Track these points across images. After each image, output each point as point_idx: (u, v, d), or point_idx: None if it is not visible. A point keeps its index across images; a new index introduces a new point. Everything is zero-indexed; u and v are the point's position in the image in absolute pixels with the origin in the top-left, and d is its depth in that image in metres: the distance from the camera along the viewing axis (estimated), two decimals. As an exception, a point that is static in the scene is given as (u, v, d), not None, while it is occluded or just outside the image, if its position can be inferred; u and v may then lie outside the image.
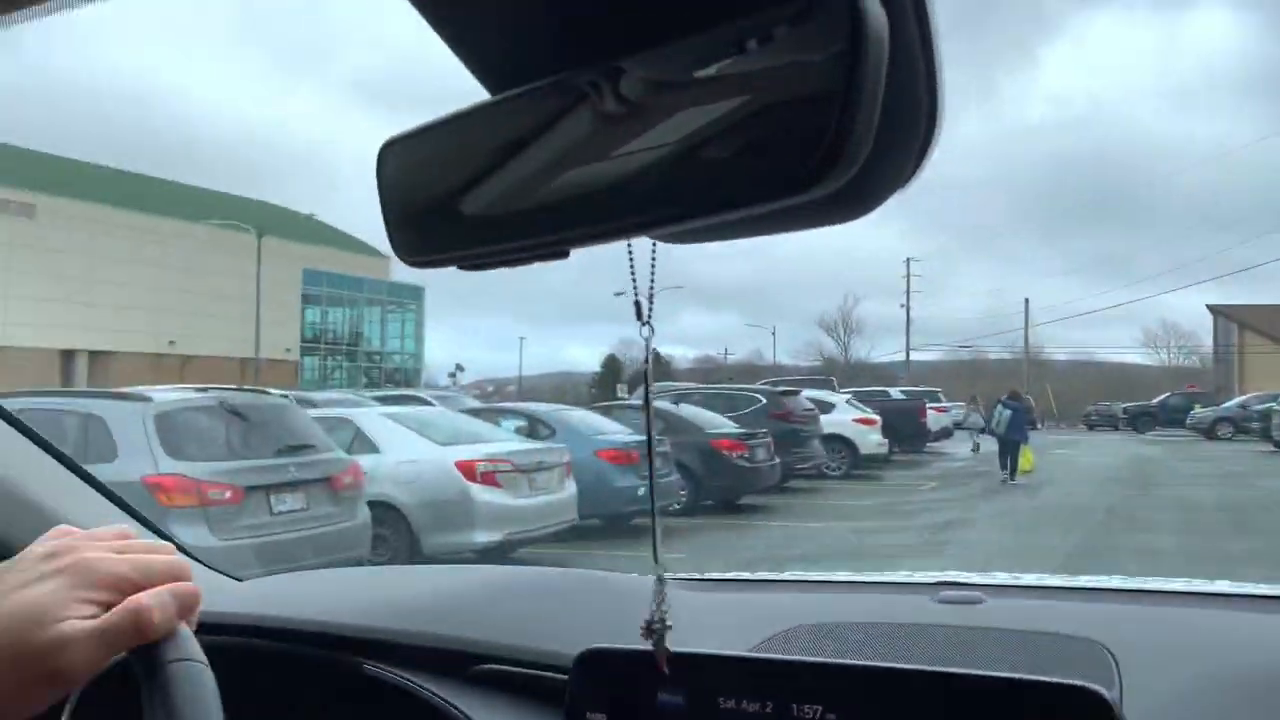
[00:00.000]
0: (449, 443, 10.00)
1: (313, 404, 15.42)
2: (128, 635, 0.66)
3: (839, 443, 20.29)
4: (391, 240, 0.63)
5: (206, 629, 0.73)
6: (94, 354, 39.34)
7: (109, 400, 7.34)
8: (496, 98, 0.59)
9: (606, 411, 15.23)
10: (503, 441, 10.52)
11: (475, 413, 13.28)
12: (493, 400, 28.38)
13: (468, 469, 9.44)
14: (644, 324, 0.77)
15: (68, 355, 38.76)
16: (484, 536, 9.33)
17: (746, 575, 1.58)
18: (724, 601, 1.35)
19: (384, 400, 18.13)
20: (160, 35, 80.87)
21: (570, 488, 10.64)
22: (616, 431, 13.15)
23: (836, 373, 47.97)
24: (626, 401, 20.04)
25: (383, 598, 1.33)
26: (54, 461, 1.28)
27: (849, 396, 24.11)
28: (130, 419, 6.97)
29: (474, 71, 0.59)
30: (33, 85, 61.28)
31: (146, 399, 7.21)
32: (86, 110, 63.54)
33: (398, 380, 50.72)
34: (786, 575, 1.61)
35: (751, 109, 0.48)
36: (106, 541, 0.71)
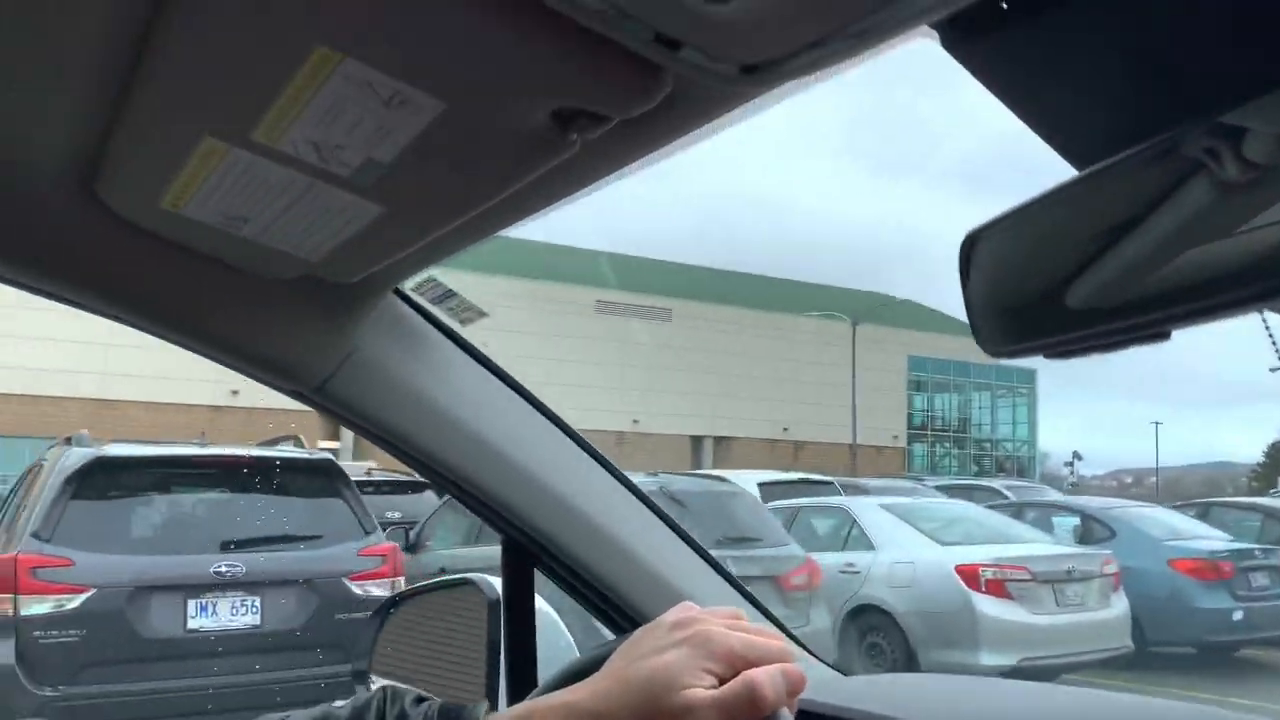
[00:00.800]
0: (958, 542, 8.69)
1: (865, 491, 14.91)
2: (742, 708, 0.67)
3: None
4: (976, 331, 0.62)
5: (807, 717, 0.75)
6: (718, 439, 43.14)
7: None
8: (1084, 173, 0.55)
9: (1203, 512, 12.47)
10: (1026, 543, 8.87)
11: (1019, 509, 11.56)
12: (1130, 495, 25.32)
13: (970, 575, 8.06)
14: None
15: (697, 440, 42.98)
16: (992, 658, 7.85)
17: None
18: None
19: (948, 490, 16.96)
20: (779, 154, 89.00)
21: (1119, 605, 8.64)
22: (1205, 537, 10.60)
23: None
24: (1249, 500, 16.27)
25: (996, 709, 1.27)
26: (684, 544, 1.36)
27: None
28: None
29: (1055, 146, 0.57)
30: (673, 207, 70.74)
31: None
32: (713, 223, 71.55)
33: (1008, 469, 47.96)
34: None
35: None
36: (722, 619, 0.73)
